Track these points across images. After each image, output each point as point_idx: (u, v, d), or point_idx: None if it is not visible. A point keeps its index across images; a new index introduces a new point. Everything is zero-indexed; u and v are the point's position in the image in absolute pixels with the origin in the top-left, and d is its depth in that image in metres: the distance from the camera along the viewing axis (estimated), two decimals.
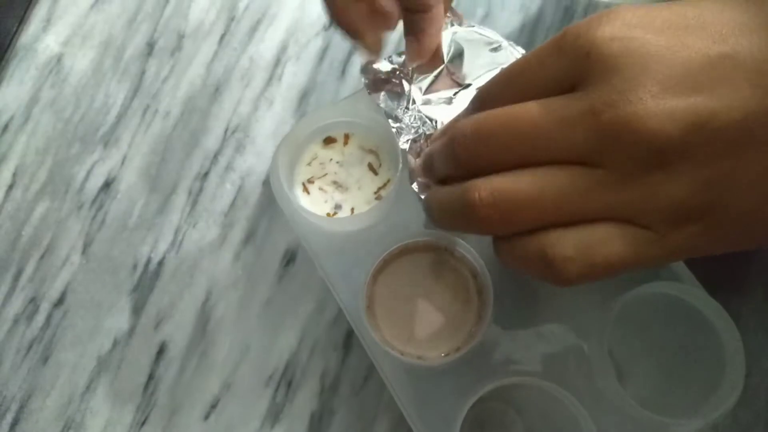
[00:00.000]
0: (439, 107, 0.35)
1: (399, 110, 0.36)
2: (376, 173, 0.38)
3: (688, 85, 0.21)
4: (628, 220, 0.23)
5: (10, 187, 0.46)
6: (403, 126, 0.35)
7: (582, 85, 0.23)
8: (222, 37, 0.49)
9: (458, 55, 0.36)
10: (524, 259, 0.25)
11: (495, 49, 0.36)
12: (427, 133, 0.35)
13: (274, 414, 0.40)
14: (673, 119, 0.21)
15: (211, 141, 0.46)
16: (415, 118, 0.35)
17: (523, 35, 0.47)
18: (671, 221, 0.23)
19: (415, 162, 0.34)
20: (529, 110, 0.24)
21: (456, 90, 0.35)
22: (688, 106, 0.21)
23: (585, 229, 0.23)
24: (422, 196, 0.33)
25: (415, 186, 0.34)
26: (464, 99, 0.35)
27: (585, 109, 0.22)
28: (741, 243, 0.24)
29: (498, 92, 0.26)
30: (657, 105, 0.21)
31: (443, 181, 0.28)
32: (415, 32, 0.34)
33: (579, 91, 0.23)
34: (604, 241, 0.23)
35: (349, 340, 0.41)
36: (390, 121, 0.36)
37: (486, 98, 0.27)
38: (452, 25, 0.37)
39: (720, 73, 0.21)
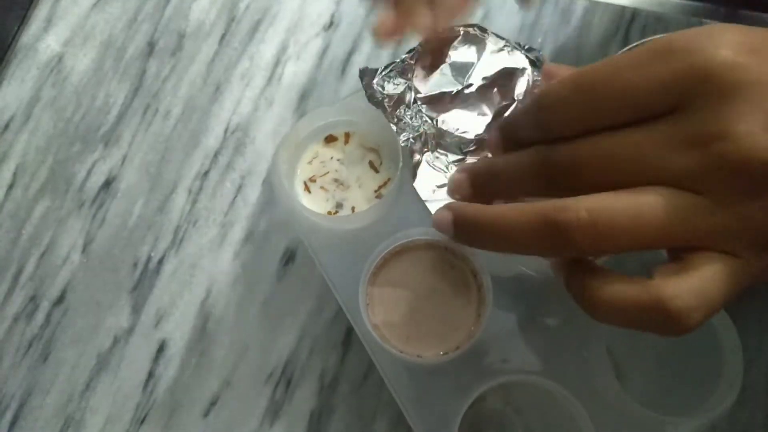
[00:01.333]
0: (440, 106, 0.35)
1: (400, 109, 0.36)
2: (377, 171, 0.38)
3: None
4: (725, 249, 0.23)
5: (11, 186, 0.46)
6: (404, 125, 0.35)
7: (689, 106, 0.22)
8: (222, 36, 0.49)
9: (461, 55, 0.36)
10: (633, 313, 0.23)
11: (498, 51, 0.36)
12: (429, 132, 0.35)
13: (274, 412, 0.40)
14: None
15: (211, 140, 0.47)
16: (416, 117, 0.35)
17: (521, 36, 0.47)
18: (757, 247, 0.23)
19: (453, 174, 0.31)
20: (633, 133, 0.23)
21: (457, 89, 0.35)
22: None
23: (694, 272, 0.22)
24: (426, 201, 0.33)
25: (416, 185, 0.34)
26: (465, 98, 0.35)
27: (693, 135, 0.22)
28: None
29: (573, 98, 0.25)
30: (765, 137, 0.21)
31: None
32: None
33: (686, 112, 0.22)
34: (715, 281, 0.22)
35: (348, 338, 0.41)
36: (392, 124, 0.36)
37: (554, 105, 0.25)
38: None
39: None
